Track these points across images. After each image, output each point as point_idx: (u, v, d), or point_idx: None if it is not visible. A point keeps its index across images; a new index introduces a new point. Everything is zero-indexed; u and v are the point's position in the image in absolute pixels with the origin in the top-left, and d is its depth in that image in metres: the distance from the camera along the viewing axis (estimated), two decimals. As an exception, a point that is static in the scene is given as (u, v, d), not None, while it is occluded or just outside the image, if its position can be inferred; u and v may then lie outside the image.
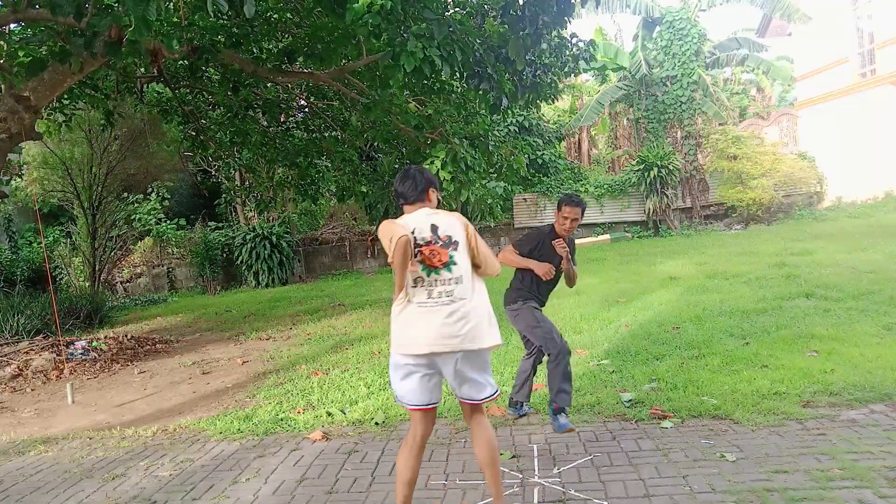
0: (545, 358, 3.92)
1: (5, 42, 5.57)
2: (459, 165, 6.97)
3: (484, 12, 6.02)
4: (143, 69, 7.47)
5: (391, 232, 2.57)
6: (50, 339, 8.38)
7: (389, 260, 2.57)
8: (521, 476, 3.35)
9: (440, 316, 2.63)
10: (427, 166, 7.03)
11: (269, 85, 8.63)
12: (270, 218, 17.22)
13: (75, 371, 7.23)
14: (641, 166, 17.34)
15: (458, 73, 5.70)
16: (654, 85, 18.76)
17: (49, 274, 9.14)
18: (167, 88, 8.16)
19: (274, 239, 16.03)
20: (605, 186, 18.22)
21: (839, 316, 6.03)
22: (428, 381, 2.71)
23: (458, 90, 7.89)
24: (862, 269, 8.20)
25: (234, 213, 18.81)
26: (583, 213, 3.88)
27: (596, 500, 3.00)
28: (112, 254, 14.98)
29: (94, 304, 11.36)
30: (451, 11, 6.23)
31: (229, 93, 7.86)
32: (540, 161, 18.94)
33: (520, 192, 18.12)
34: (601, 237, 17.23)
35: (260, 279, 16.00)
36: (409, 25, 4.93)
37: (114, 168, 13.25)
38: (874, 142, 15.78)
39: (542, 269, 3.83)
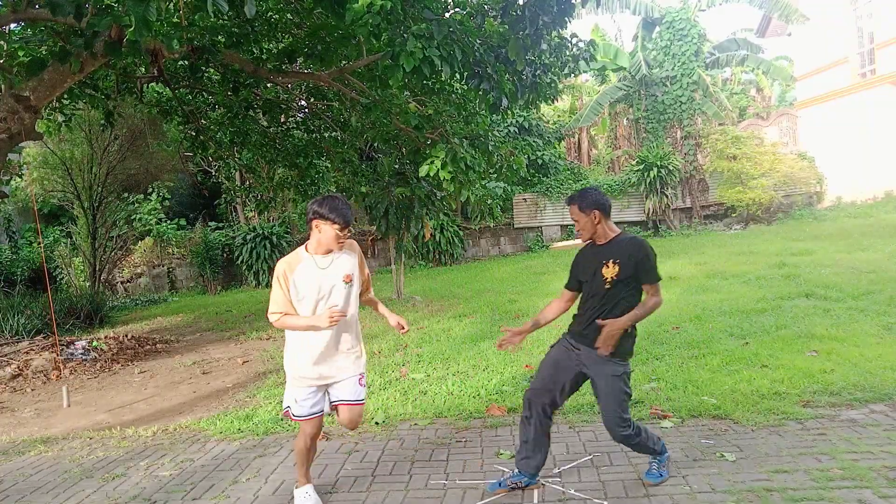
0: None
1: (5, 42, 5.57)
2: (459, 165, 6.97)
3: (484, 12, 6.01)
4: (143, 69, 7.47)
5: None
6: (50, 339, 8.38)
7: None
8: (521, 476, 3.34)
9: None
10: (427, 166, 7.04)
11: (269, 85, 8.63)
12: (271, 218, 17.22)
13: (75, 371, 7.23)
14: (641, 166, 17.34)
15: (458, 73, 5.69)
16: (653, 85, 18.76)
17: (46, 274, 9.14)
18: (167, 88, 8.15)
19: (274, 239, 16.04)
20: (605, 186, 18.20)
21: (839, 316, 6.04)
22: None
23: (458, 90, 7.89)
24: (862, 269, 8.20)
25: (234, 213, 18.81)
26: (578, 209, 3.09)
27: (596, 500, 3.01)
28: (112, 254, 14.99)
29: (94, 304, 11.36)
30: (451, 11, 6.24)
31: (229, 93, 7.86)
32: (540, 161, 18.94)
33: (520, 193, 18.13)
34: (601, 237, 17.22)
35: (260, 279, 16.00)
36: (408, 25, 4.92)
37: (114, 168, 13.27)
38: (874, 142, 15.79)
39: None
